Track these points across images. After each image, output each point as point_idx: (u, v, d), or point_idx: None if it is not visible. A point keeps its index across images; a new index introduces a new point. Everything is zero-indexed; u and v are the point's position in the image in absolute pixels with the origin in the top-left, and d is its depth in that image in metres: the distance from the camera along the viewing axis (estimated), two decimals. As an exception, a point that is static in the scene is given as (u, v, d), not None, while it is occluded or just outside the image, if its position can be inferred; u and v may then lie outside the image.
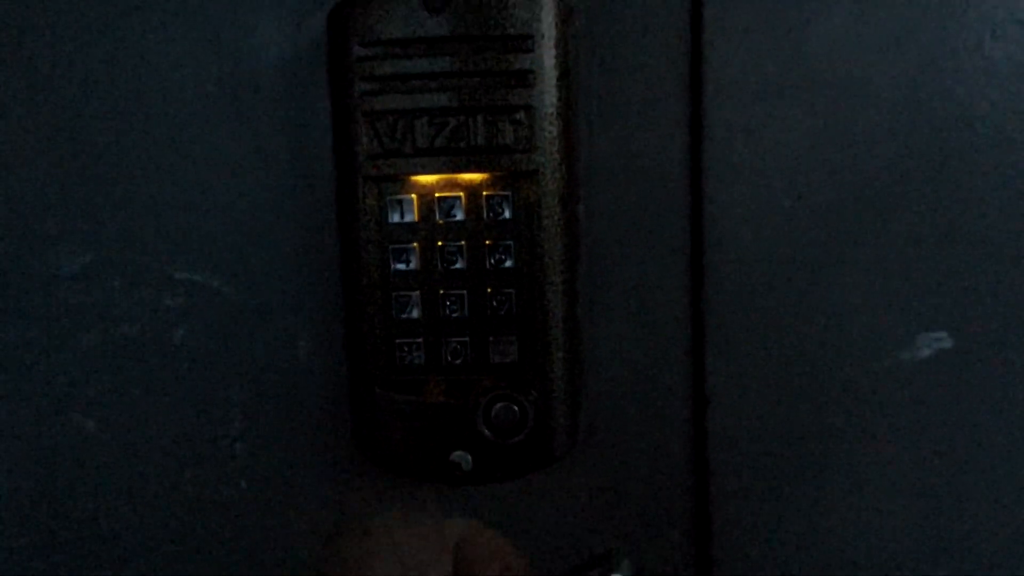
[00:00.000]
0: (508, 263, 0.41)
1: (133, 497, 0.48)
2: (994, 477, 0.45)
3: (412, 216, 0.41)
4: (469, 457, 0.43)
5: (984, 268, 0.43)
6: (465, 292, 0.42)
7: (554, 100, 0.40)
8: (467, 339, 0.42)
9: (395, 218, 0.41)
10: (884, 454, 0.45)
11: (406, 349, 0.43)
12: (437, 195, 0.41)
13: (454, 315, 0.42)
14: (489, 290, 0.42)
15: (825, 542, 0.46)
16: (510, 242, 0.41)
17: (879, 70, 0.42)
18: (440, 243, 0.41)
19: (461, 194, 0.41)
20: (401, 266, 0.42)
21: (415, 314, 0.42)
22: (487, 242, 0.41)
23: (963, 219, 0.43)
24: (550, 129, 0.40)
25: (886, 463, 0.45)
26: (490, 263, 0.41)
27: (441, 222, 0.41)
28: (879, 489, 0.45)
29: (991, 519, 0.45)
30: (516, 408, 0.42)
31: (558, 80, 0.40)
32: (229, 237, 0.46)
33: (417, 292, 0.42)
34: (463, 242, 0.41)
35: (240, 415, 0.47)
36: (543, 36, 0.39)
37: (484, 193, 0.41)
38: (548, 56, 0.39)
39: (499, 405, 0.42)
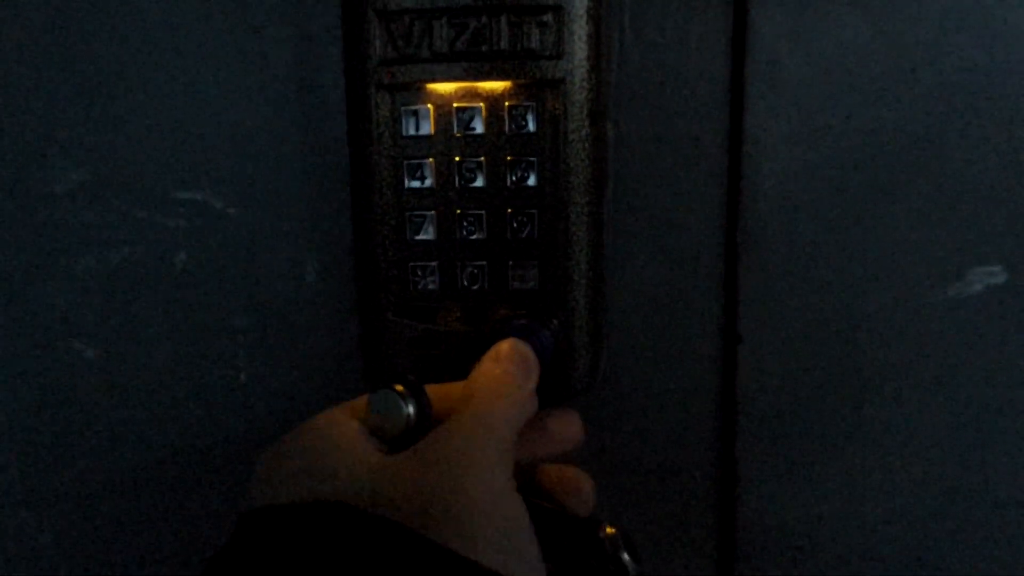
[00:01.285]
0: (531, 181, 0.38)
1: (135, 429, 0.46)
2: (1042, 423, 0.42)
3: (428, 128, 0.38)
4: (485, 389, 0.40)
5: (1045, 199, 0.40)
6: (484, 212, 0.39)
7: (585, 2, 0.36)
8: (485, 263, 0.39)
9: (410, 131, 0.38)
10: (926, 397, 0.42)
11: (420, 273, 0.40)
12: (455, 105, 0.38)
13: (471, 237, 0.39)
14: (509, 211, 0.39)
15: (857, 492, 0.44)
16: (533, 158, 0.38)
17: (944, -25, 0.38)
18: (458, 158, 0.38)
19: (481, 104, 0.38)
20: (416, 183, 0.39)
21: (430, 235, 0.39)
22: (508, 158, 0.38)
23: (1021, 145, 0.40)
24: (580, 34, 0.36)
25: (928, 406, 0.42)
26: (511, 181, 0.38)
27: (459, 135, 0.38)
28: (918, 438, 0.43)
29: (1036, 467, 0.43)
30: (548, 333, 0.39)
31: (590, -22, 0.36)
32: (232, 154, 0.43)
33: (432, 212, 0.39)
34: (482, 157, 0.38)
35: (245, 344, 0.45)
36: (575, -71, 0.35)
37: (506, 104, 0.38)
38: (580, -48, 0.36)
39: None
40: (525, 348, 0.34)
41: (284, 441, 0.31)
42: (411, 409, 0.31)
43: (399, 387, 0.31)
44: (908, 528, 0.44)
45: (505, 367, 0.33)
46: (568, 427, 0.37)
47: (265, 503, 0.29)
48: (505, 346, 0.34)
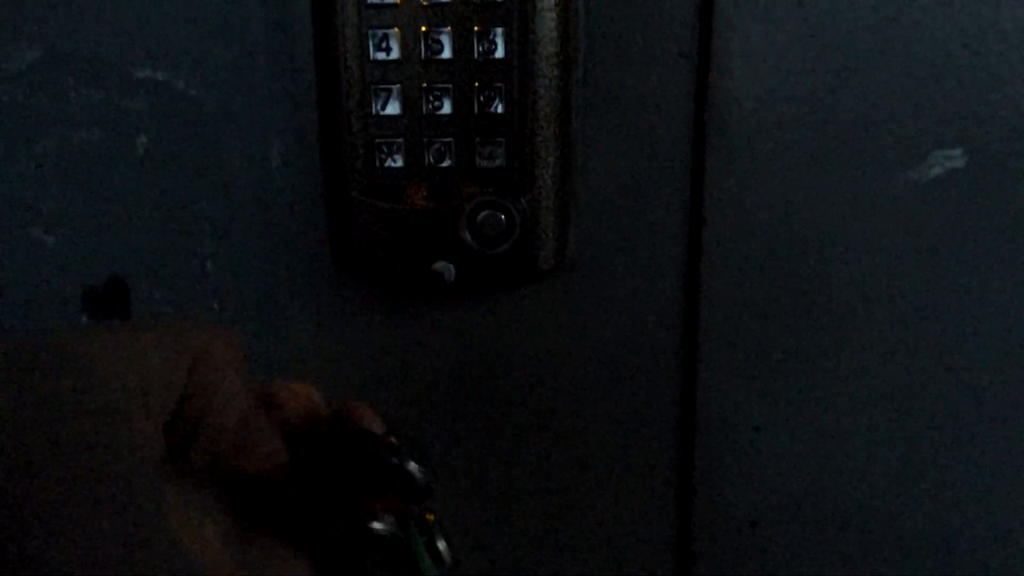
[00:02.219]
0: (499, 53, 0.38)
1: (97, 320, 0.46)
2: (1002, 306, 0.44)
3: (393, -3, 0.37)
4: (452, 267, 0.40)
5: (1002, 82, 0.40)
6: (451, 86, 0.38)
7: None
8: (451, 140, 0.39)
9: (374, -1, 0.37)
10: (887, 285, 0.43)
11: (385, 150, 0.39)
12: (421, -29, 0.37)
13: (438, 112, 0.39)
14: (476, 84, 0.38)
15: (818, 389, 0.45)
16: (501, 28, 0.37)
17: None
18: (424, 28, 0.38)
19: (448, -29, 0.37)
20: (381, 55, 0.38)
21: (395, 110, 0.39)
22: (476, 28, 0.38)
23: (979, 28, 0.40)
24: None
25: (889, 294, 0.43)
26: (478, 52, 0.38)
27: (425, 4, 0.37)
28: (880, 323, 0.44)
29: (993, 353, 0.44)
30: (502, 216, 0.39)
31: None
32: (193, 32, 0.42)
33: (398, 85, 0.38)
34: (448, 27, 0.38)
35: (210, 230, 0.45)
36: None
37: (473, -30, 0.37)
38: None
39: (484, 212, 0.39)
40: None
41: None
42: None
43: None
44: (858, 485, 0.45)
45: None
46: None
47: None
48: None
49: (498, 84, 0.38)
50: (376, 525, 0.25)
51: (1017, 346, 0.44)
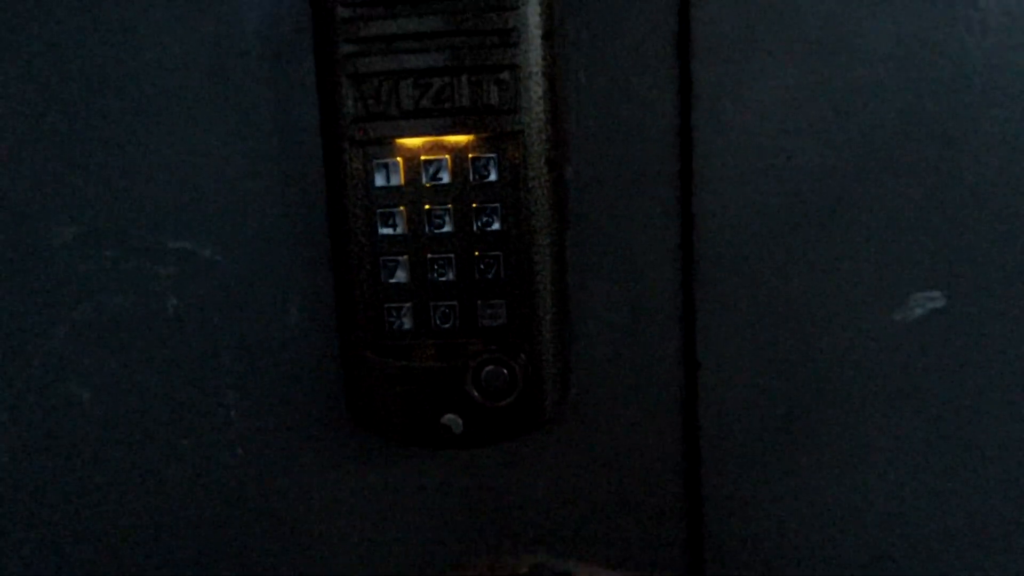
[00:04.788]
0: (495, 226, 0.41)
1: (131, 467, 0.48)
2: (990, 440, 0.45)
3: (398, 179, 0.41)
4: (460, 420, 0.43)
5: (978, 226, 0.43)
6: (453, 255, 0.42)
7: (539, 59, 0.39)
8: (455, 303, 0.42)
9: (381, 182, 0.41)
10: (877, 417, 0.45)
11: (395, 314, 0.43)
12: (423, 158, 0.41)
13: (442, 279, 0.42)
14: (476, 253, 0.42)
15: (817, 507, 0.46)
16: (497, 204, 0.41)
17: (869, 25, 0.41)
18: (427, 206, 0.41)
19: (447, 156, 0.41)
20: (388, 230, 0.42)
21: (403, 278, 0.42)
22: (474, 205, 0.41)
23: (956, 176, 0.43)
24: (535, 89, 0.40)
25: (879, 426, 0.45)
26: (477, 226, 0.41)
27: (428, 185, 0.41)
28: (872, 453, 0.45)
29: (987, 481, 0.45)
30: (505, 371, 0.42)
31: (543, 39, 0.39)
32: (218, 205, 0.46)
33: (404, 256, 0.42)
34: (450, 205, 0.41)
35: (234, 383, 0.48)
36: (527, -6, 0.39)
37: (470, 155, 0.41)
38: (533, 15, 0.39)
39: (488, 368, 0.42)
40: None
41: None
42: None
43: None
44: (864, 534, 0.46)
45: None
46: None
47: None
48: None
49: (496, 252, 0.41)
50: None
51: (1016, 483, 0.45)
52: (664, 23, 0.42)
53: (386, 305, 0.43)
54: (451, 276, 0.42)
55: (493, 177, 0.41)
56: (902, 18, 0.41)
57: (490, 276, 0.42)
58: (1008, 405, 0.44)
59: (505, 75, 0.39)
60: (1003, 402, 0.44)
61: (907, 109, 0.42)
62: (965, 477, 0.45)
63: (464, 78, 0.39)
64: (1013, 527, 0.46)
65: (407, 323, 0.43)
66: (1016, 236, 0.43)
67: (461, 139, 0.40)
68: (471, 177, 0.41)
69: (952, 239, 0.43)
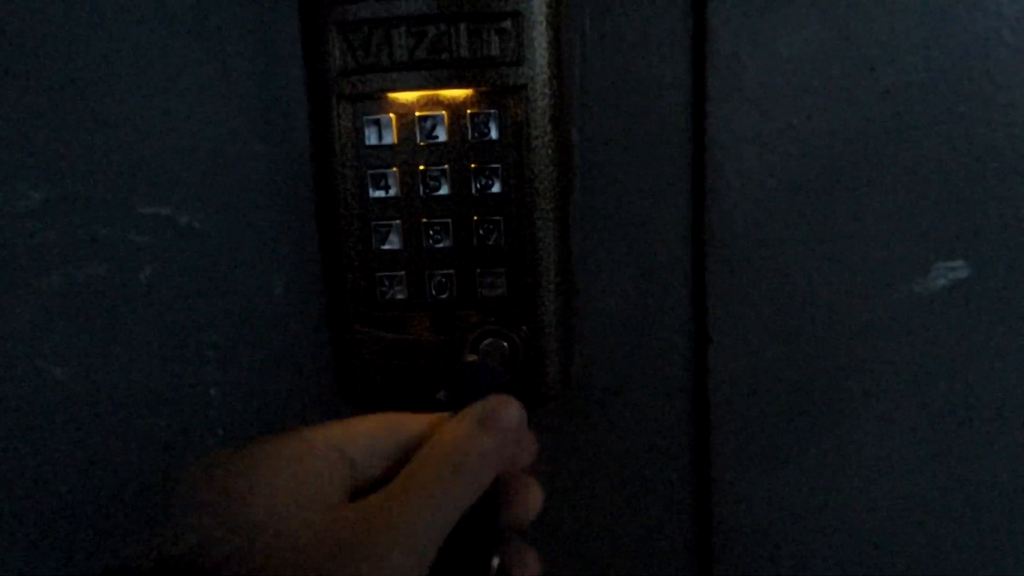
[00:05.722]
0: (495, 188, 0.38)
1: (105, 447, 0.45)
2: (1009, 413, 0.43)
3: (391, 138, 0.38)
4: (456, 397, 0.40)
5: (1003, 193, 0.41)
6: (449, 220, 0.39)
7: (544, 7, 0.36)
8: (452, 272, 0.39)
9: (372, 140, 0.38)
10: (896, 397, 0.43)
11: (387, 283, 0.40)
12: (417, 114, 0.38)
13: (438, 246, 0.39)
14: (475, 218, 0.39)
15: (830, 486, 0.44)
16: (497, 165, 0.38)
17: (898, -26, 0.39)
18: (422, 167, 0.38)
19: (443, 112, 0.38)
20: (380, 193, 0.39)
21: (396, 245, 0.39)
22: (472, 165, 0.38)
23: (981, 141, 0.40)
24: (540, 40, 0.36)
25: (896, 401, 0.43)
26: (476, 188, 0.38)
27: (422, 144, 0.38)
28: (887, 432, 0.43)
29: (1006, 465, 0.43)
30: (505, 344, 0.39)
31: (548, -15, 0.36)
32: (196, 168, 0.43)
33: (398, 221, 0.39)
34: (446, 165, 0.38)
35: (214, 359, 0.45)
36: (531, -65, 0.36)
37: (468, 111, 0.37)
38: (537, -42, 0.36)
39: (487, 341, 0.39)
40: (519, 413, 0.30)
41: (227, 463, 0.28)
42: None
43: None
44: (881, 520, 0.44)
45: (487, 437, 0.29)
46: (526, 500, 0.33)
47: (156, 548, 0.27)
48: (498, 406, 0.30)
49: (496, 217, 0.39)
50: None
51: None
52: (678, -29, 0.39)
53: (378, 274, 0.40)
54: (448, 243, 0.39)
55: (493, 135, 0.38)
56: (933, -33, 0.39)
57: (489, 243, 0.39)
58: (1033, 382, 0.42)
59: (507, 23, 0.36)
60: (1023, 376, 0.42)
61: (934, 66, 0.39)
62: (987, 462, 0.43)
63: (462, 26, 0.36)
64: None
65: (400, 293, 0.40)
66: (1046, 203, 0.40)
67: (459, 93, 0.37)
68: (470, 135, 0.38)
69: (977, 206, 0.41)
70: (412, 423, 0.31)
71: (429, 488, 0.27)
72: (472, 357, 0.38)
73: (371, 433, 0.30)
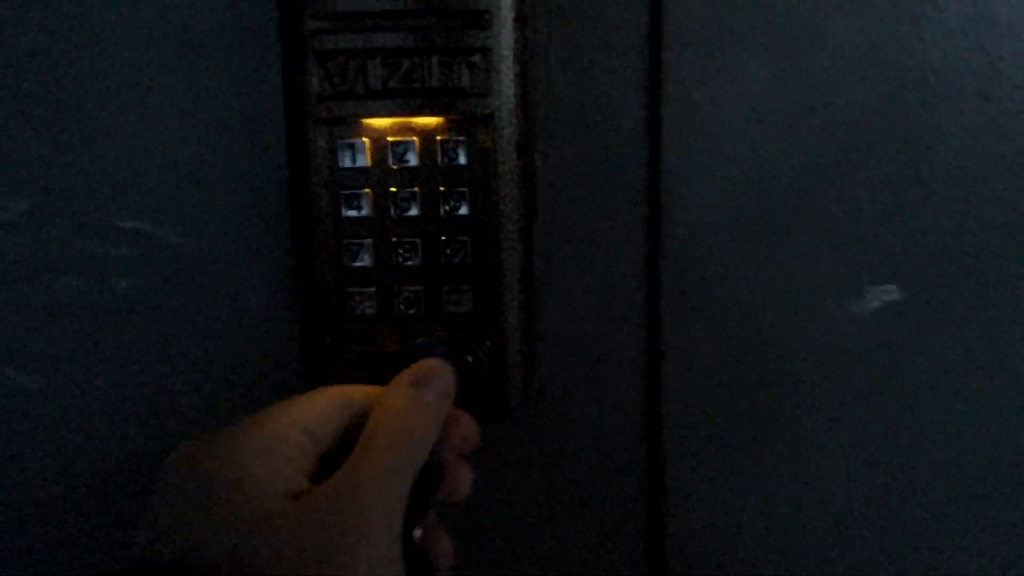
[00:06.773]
0: (463, 211, 0.40)
1: (77, 457, 0.46)
2: (945, 431, 0.46)
3: (364, 161, 0.40)
4: (422, 408, 0.42)
5: (932, 222, 0.44)
6: (418, 240, 0.41)
7: (511, 43, 0.39)
8: (421, 288, 0.41)
9: (346, 162, 0.40)
10: (837, 408, 0.46)
11: (358, 298, 0.42)
12: (390, 139, 0.40)
13: (407, 263, 0.41)
14: (443, 238, 0.41)
15: (777, 494, 0.46)
16: (465, 189, 0.40)
17: (837, 21, 0.42)
18: (393, 189, 0.40)
19: (415, 139, 0.40)
20: (353, 212, 0.41)
21: (367, 262, 0.41)
22: (441, 188, 0.40)
23: (914, 171, 0.44)
24: (507, 72, 0.39)
25: (839, 418, 0.46)
26: (444, 210, 0.41)
27: (394, 167, 0.40)
28: (829, 441, 0.46)
29: (940, 470, 0.46)
30: (470, 359, 0.41)
31: (515, 22, 0.39)
32: (175, 184, 0.44)
33: (369, 240, 0.41)
34: (416, 188, 0.40)
35: (188, 370, 0.46)
36: (500, -23, 0.38)
37: (438, 138, 0.40)
38: (505, -3, 0.38)
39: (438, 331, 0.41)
40: (448, 374, 0.34)
41: (205, 456, 0.29)
42: None
43: None
44: (827, 526, 0.47)
45: (423, 396, 0.32)
46: (467, 434, 0.36)
47: (143, 553, 0.28)
48: (427, 368, 0.34)
49: (463, 238, 0.41)
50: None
51: (966, 469, 0.46)
52: (636, 13, 0.42)
53: (349, 289, 0.42)
54: (417, 261, 0.41)
55: (462, 161, 0.40)
56: (868, 15, 0.42)
57: (456, 261, 0.41)
58: (961, 395, 0.46)
59: (477, 58, 0.39)
60: (957, 393, 0.46)
61: (870, 105, 0.43)
62: (923, 468, 0.46)
63: (435, 59, 0.39)
64: (968, 516, 0.47)
65: (370, 308, 0.42)
66: (970, 231, 0.44)
67: (430, 121, 0.40)
68: (440, 160, 0.40)
69: (909, 233, 0.44)
70: (358, 394, 0.34)
71: (386, 456, 0.30)
72: (420, 339, 0.40)
73: (327, 408, 0.32)
